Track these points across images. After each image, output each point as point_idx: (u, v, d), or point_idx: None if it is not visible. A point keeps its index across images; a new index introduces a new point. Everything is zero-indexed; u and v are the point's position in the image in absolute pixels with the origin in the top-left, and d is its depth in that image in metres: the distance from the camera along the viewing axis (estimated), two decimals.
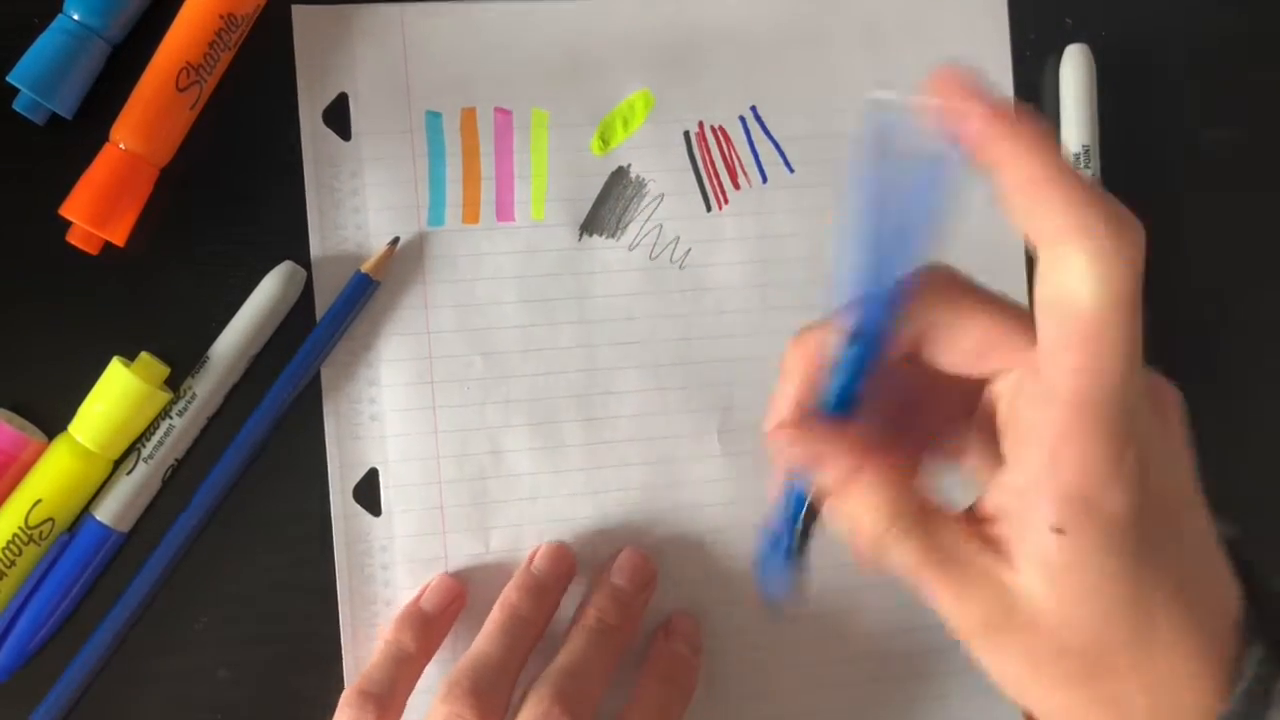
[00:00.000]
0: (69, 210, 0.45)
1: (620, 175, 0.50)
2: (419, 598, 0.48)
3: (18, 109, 0.46)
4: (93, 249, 0.46)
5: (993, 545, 0.35)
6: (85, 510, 0.47)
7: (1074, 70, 0.53)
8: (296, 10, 0.49)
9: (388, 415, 0.49)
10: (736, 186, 0.51)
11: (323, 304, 0.48)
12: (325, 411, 0.49)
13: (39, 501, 0.46)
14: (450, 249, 0.49)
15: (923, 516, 0.35)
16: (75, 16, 0.46)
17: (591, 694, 0.45)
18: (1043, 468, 0.33)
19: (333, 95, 0.49)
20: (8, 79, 0.45)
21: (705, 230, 0.51)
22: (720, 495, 0.49)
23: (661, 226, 0.50)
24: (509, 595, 0.47)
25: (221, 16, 0.46)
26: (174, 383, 0.47)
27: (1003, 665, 0.36)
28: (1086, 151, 0.53)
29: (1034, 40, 0.54)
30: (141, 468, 0.47)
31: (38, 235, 0.47)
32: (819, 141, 0.51)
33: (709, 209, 0.51)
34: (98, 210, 0.46)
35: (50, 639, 0.47)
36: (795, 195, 0.51)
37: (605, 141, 0.50)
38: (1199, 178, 0.55)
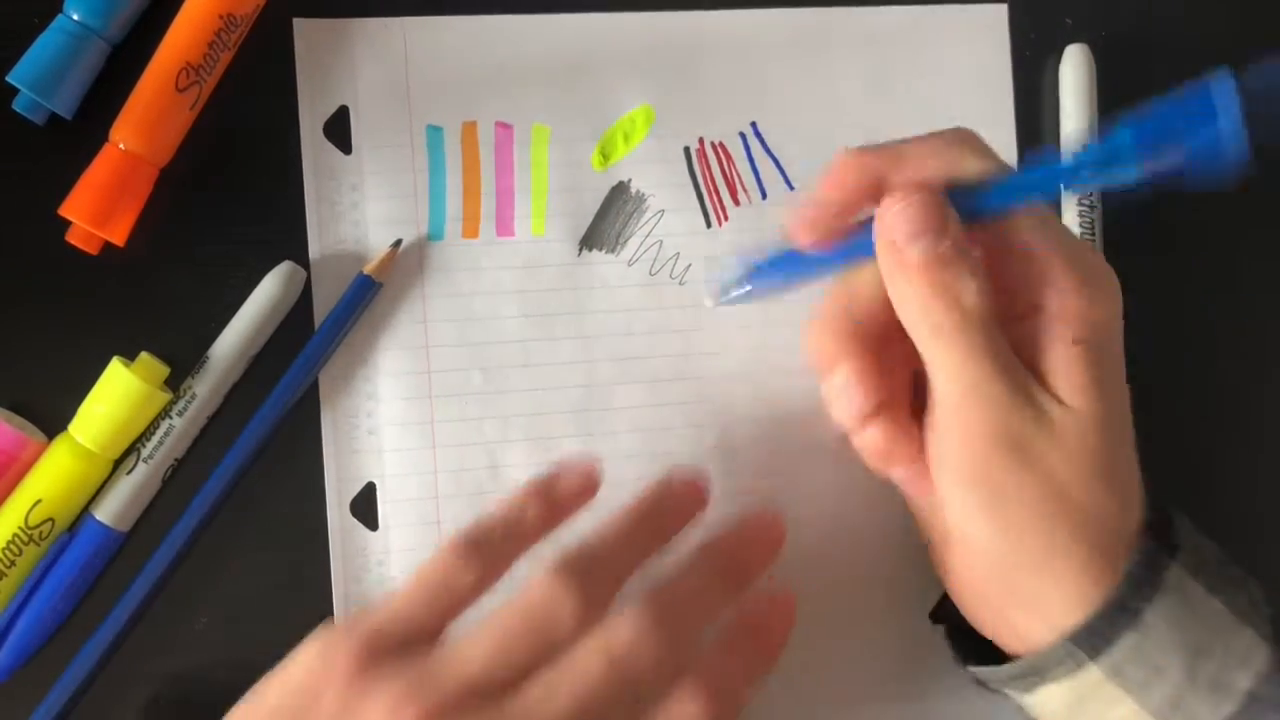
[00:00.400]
0: (69, 210, 0.45)
1: (620, 190, 0.50)
2: (555, 474, 0.45)
3: (17, 109, 0.45)
4: (93, 249, 0.46)
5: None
6: (85, 510, 0.47)
7: (1074, 70, 0.53)
8: (298, 23, 0.48)
9: (385, 429, 0.49)
10: (736, 203, 0.51)
11: (322, 315, 0.49)
12: (323, 425, 0.49)
13: (39, 501, 0.46)
14: (449, 263, 0.49)
15: (993, 310, 0.41)
16: (75, 16, 0.45)
17: (695, 629, 0.43)
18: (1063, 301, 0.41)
19: (333, 108, 0.49)
20: (8, 79, 0.45)
21: (705, 246, 0.51)
22: (717, 511, 0.48)
23: (661, 242, 0.51)
24: (644, 504, 0.45)
25: (221, 16, 0.46)
26: (174, 383, 0.47)
27: (1027, 474, 0.41)
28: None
29: (1034, 40, 0.54)
30: (141, 467, 0.47)
31: (38, 235, 0.46)
32: (819, 158, 0.51)
33: (709, 225, 0.51)
34: (98, 210, 0.45)
35: (50, 639, 0.47)
36: None
37: (606, 157, 0.50)
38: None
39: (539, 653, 0.40)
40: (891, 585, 0.52)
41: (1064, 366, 0.41)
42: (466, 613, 0.42)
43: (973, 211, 0.40)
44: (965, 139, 0.42)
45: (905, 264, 0.40)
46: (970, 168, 0.41)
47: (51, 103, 0.45)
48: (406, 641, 0.41)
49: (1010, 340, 0.42)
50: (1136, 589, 0.41)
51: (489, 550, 0.42)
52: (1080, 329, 0.41)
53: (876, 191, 0.41)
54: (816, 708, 0.52)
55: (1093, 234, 0.52)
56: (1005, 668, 0.44)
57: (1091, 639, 0.41)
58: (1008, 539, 0.42)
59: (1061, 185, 0.40)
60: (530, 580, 0.41)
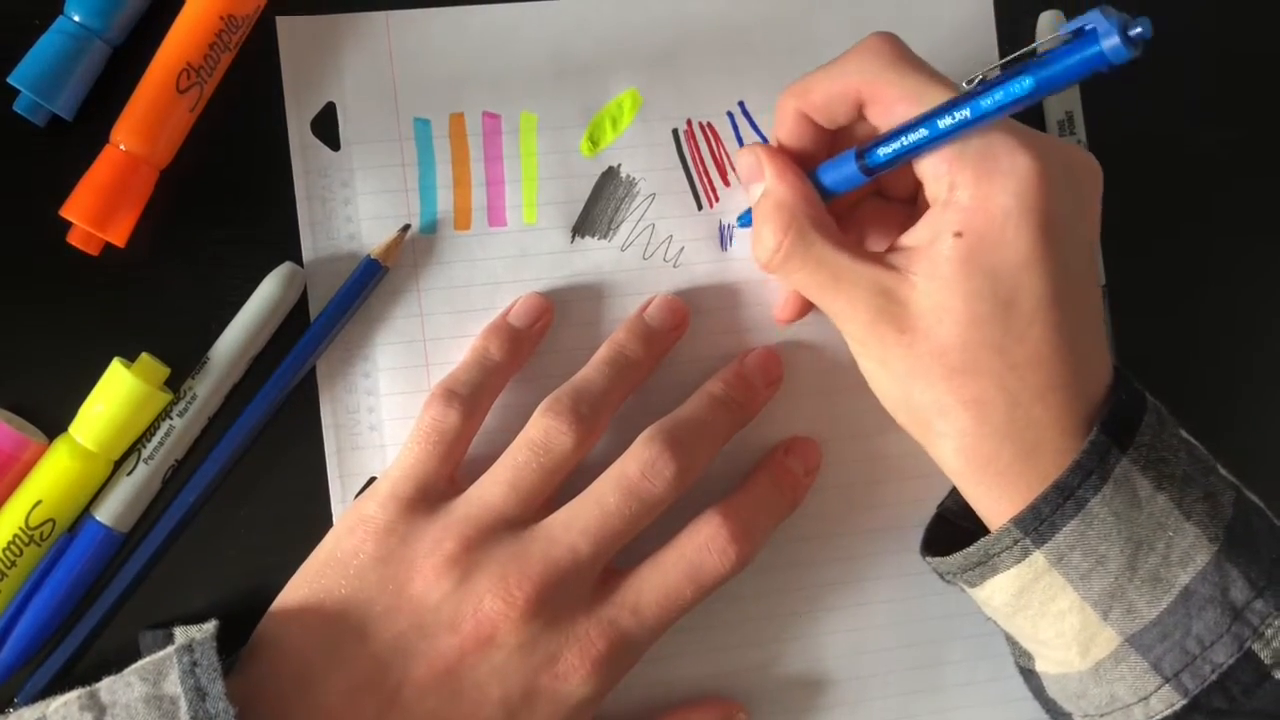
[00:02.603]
0: (70, 211, 0.46)
1: (610, 176, 0.51)
2: (507, 312, 0.49)
3: (18, 110, 0.46)
4: (93, 250, 0.47)
5: (887, 264, 0.44)
6: (86, 511, 0.47)
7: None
8: (281, 21, 0.49)
9: (386, 425, 0.49)
10: (726, 183, 0.51)
11: (318, 312, 0.49)
12: (324, 424, 0.49)
13: (39, 502, 0.46)
14: (443, 255, 0.50)
15: (813, 233, 0.44)
16: (76, 18, 0.46)
17: (703, 454, 0.47)
18: (954, 196, 0.42)
19: (320, 105, 0.49)
20: (8, 80, 0.45)
21: (697, 228, 0.51)
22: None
23: (654, 226, 0.51)
24: (618, 335, 0.49)
25: (222, 18, 0.46)
26: (174, 383, 0.48)
27: (888, 366, 0.44)
28: (1070, 118, 0.54)
29: (1020, 25, 0.54)
30: (142, 468, 0.47)
31: (38, 236, 0.47)
32: None
33: (700, 207, 0.51)
34: (98, 211, 0.46)
35: (50, 639, 0.47)
36: None
37: (594, 142, 0.51)
38: (1193, 162, 0.56)
39: (548, 477, 0.46)
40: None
41: (941, 257, 0.42)
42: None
43: (874, 166, 0.44)
44: (878, 53, 0.44)
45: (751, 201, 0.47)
46: (882, 88, 0.43)
47: (52, 104, 0.46)
48: (424, 490, 0.46)
49: (918, 232, 0.43)
50: (1085, 478, 0.42)
51: (465, 390, 0.47)
52: (961, 221, 0.42)
53: (809, 121, 0.46)
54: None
55: None
56: (954, 556, 0.45)
57: (1037, 524, 0.42)
58: (899, 422, 0.46)
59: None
60: (528, 422, 0.47)
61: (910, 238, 0.44)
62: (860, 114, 0.45)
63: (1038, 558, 0.42)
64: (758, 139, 0.52)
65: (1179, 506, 0.42)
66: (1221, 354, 0.56)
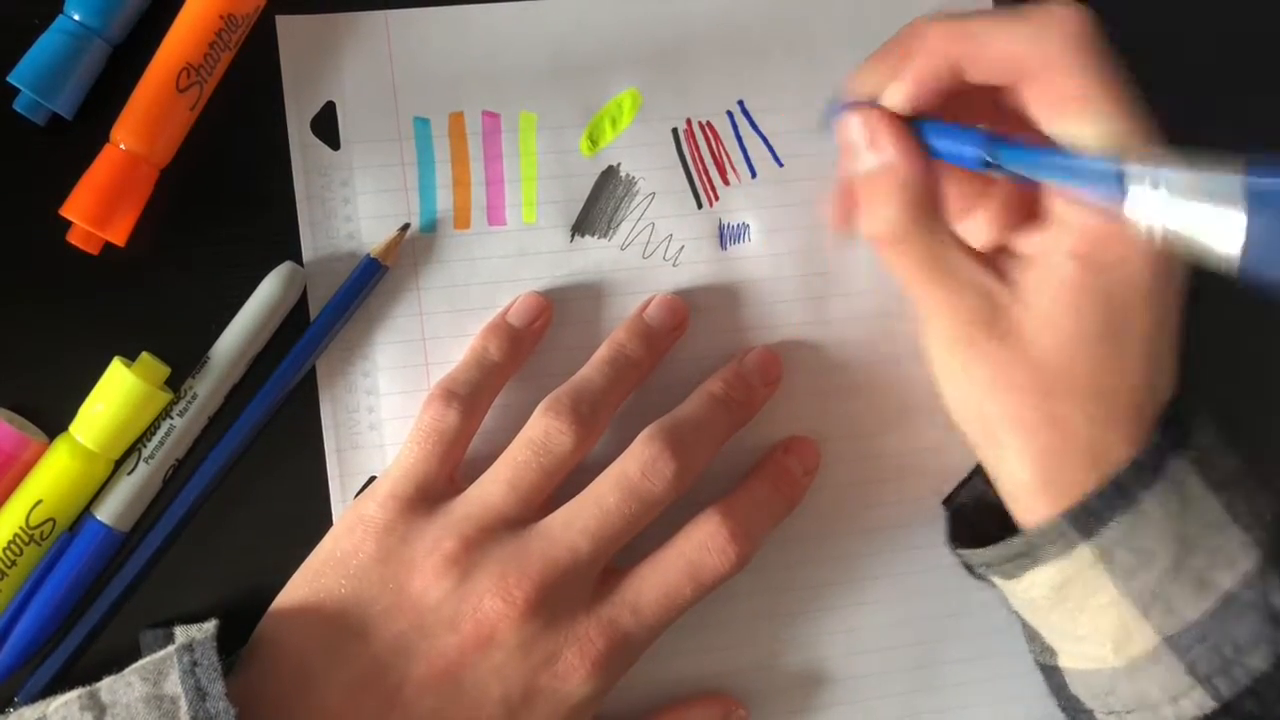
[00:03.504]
0: (69, 210, 0.46)
1: (610, 175, 0.51)
2: (506, 311, 0.49)
3: (18, 109, 0.46)
4: (93, 249, 0.47)
5: (993, 267, 0.43)
6: (86, 510, 0.47)
7: None
8: (280, 20, 0.49)
9: (386, 424, 0.49)
10: (726, 182, 0.51)
11: (318, 312, 0.49)
12: (324, 424, 0.49)
13: (40, 502, 0.46)
14: (443, 254, 0.50)
15: (934, 219, 0.43)
16: (76, 17, 0.46)
17: (703, 454, 0.47)
18: (1076, 215, 0.41)
19: (320, 104, 0.49)
20: (8, 79, 0.45)
21: (697, 227, 0.51)
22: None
23: (653, 225, 0.51)
24: (618, 334, 0.49)
25: (222, 17, 0.46)
26: (174, 383, 0.48)
27: (971, 370, 0.43)
28: None
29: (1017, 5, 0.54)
30: (142, 468, 0.47)
31: (38, 235, 0.47)
32: (807, 134, 0.52)
33: (700, 206, 0.51)
34: (98, 210, 0.46)
35: (50, 639, 0.47)
36: (785, 189, 0.52)
37: (594, 142, 0.51)
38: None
39: (547, 476, 0.46)
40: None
41: (1055, 274, 0.42)
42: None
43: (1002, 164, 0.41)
44: (1064, 30, 0.40)
45: (857, 169, 0.45)
46: (1056, 74, 0.40)
47: (52, 103, 0.46)
48: (424, 490, 0.46)
49: (1034, 241, 0.43)
50: (1137, 475, 0.41)
51: (464, 389, 0.47)
52: (1084, 243, 0.41)
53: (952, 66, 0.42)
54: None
55: None
56: (994, 548, 0.45)
57: (1086, 519, 0.42)
58: (961, 423, 0.45)
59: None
60: (528, 422, 0.47)
61: (1026, 245, 0.43)
62: (1015, 84, 0.42)
63: (1084, 551, 0.42)
64: (758, 138, 0.52)
65: (1228, 509, 0.42)
66: (1223, 354, 0.56)
